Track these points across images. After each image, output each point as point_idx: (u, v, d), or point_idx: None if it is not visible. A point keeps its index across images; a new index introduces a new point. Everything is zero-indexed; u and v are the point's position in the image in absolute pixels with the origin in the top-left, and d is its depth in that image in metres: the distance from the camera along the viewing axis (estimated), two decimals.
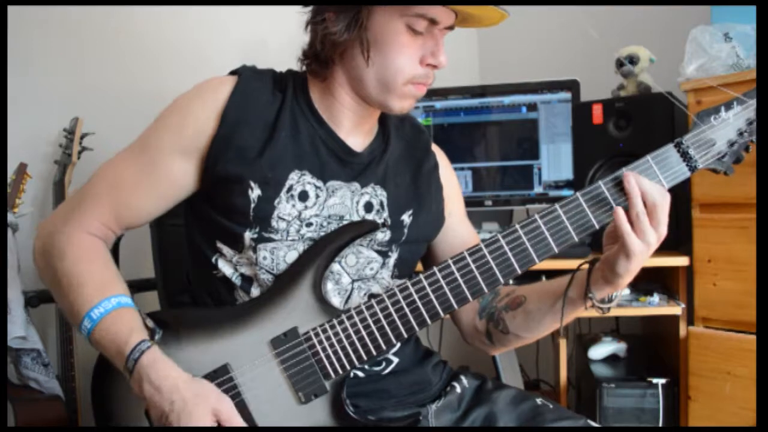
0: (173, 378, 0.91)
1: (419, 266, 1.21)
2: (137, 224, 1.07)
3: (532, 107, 2.02)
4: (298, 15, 1.06)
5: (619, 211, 0.92)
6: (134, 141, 1.06)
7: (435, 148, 1.21)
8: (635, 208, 0.91)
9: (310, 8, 1.05)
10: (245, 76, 1.04)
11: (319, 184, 1.03)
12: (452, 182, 1.21)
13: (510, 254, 0.95)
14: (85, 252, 1.00)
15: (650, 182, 0.92)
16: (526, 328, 1.08)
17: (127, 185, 1.03)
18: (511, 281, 1.72)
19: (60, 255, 1.00)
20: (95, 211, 1.03)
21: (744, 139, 0.95)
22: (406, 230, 1.10)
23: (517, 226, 0.95)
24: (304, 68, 1.08)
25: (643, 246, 0.91)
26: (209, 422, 0.89)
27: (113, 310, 0.95)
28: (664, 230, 0.92)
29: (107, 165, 1.06)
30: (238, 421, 0.92)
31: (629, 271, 0.93)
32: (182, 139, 1.01)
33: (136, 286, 1.66)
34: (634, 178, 0.92)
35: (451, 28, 1.03)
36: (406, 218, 1.10)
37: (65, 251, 1.00)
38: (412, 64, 1.00)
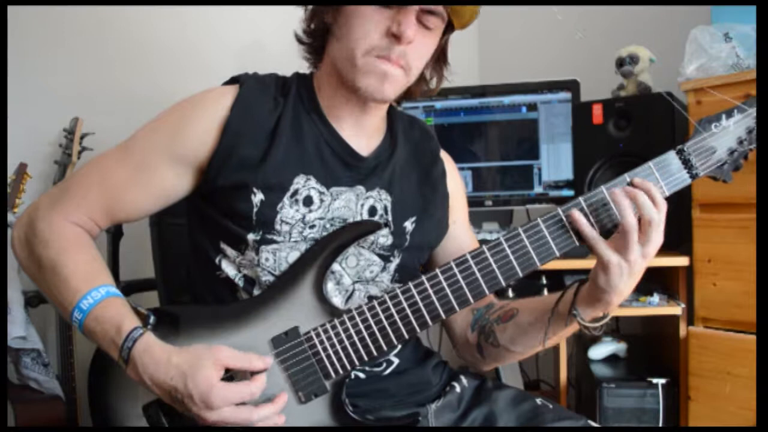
0: (166, 355, 0.89)
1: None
2: (130, 220, 1.07)
3: (532, 107, 2.02)
4: (296, 15, 1.06)
5: (577, 216, 0.91)
6: (127, 140, 1.04)
7: (444, 154, 1.20)
8: (625, 219, 0.89)
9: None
10: (247, 86, 1.03)
11: (323, 189, 1.03)
12: (459, 190, 1.20)
13: (512, 257, 0.95)
14: (71, 241, 0.99)
15: (647, 199, 0.89)
16: (515, 341, 1.07)
17: (118, 184, 1.02)
18: (511, 293, 1.74)
19: (44, 243, 0.98)
20: (82, 203, 1.01)
21: (744, 148, 0.95)
22: (408, 237, 1.09)
23: (520, 230, 0.95)
24: (308, 67, 1.08)
25: (618, 258, 0.89)
26: (217, 376, 0.88)
27: (102, 300, 0.94)
28: (651, 250, 0.89)
29: (98, 160, 1.05)
30: (243, 356, 0.90)
31: (612, 286, 0.90)
32: (179, 148, 1.01)
33: (136, 286, 1.66)
34: (627, 193, 0.90)
35: (432, 13, 0.97)
36: (409, 225, 1.10)
37: (49, 240, 0.98)
38: (372, 34, 0.96)
